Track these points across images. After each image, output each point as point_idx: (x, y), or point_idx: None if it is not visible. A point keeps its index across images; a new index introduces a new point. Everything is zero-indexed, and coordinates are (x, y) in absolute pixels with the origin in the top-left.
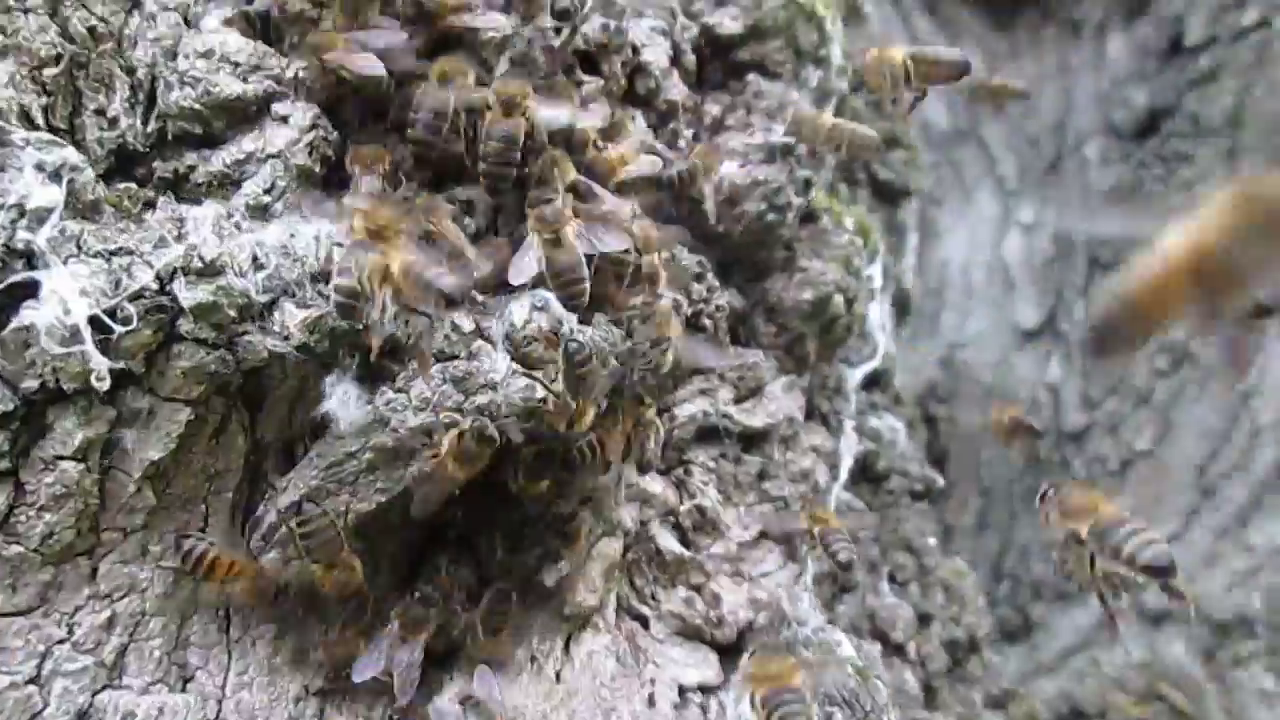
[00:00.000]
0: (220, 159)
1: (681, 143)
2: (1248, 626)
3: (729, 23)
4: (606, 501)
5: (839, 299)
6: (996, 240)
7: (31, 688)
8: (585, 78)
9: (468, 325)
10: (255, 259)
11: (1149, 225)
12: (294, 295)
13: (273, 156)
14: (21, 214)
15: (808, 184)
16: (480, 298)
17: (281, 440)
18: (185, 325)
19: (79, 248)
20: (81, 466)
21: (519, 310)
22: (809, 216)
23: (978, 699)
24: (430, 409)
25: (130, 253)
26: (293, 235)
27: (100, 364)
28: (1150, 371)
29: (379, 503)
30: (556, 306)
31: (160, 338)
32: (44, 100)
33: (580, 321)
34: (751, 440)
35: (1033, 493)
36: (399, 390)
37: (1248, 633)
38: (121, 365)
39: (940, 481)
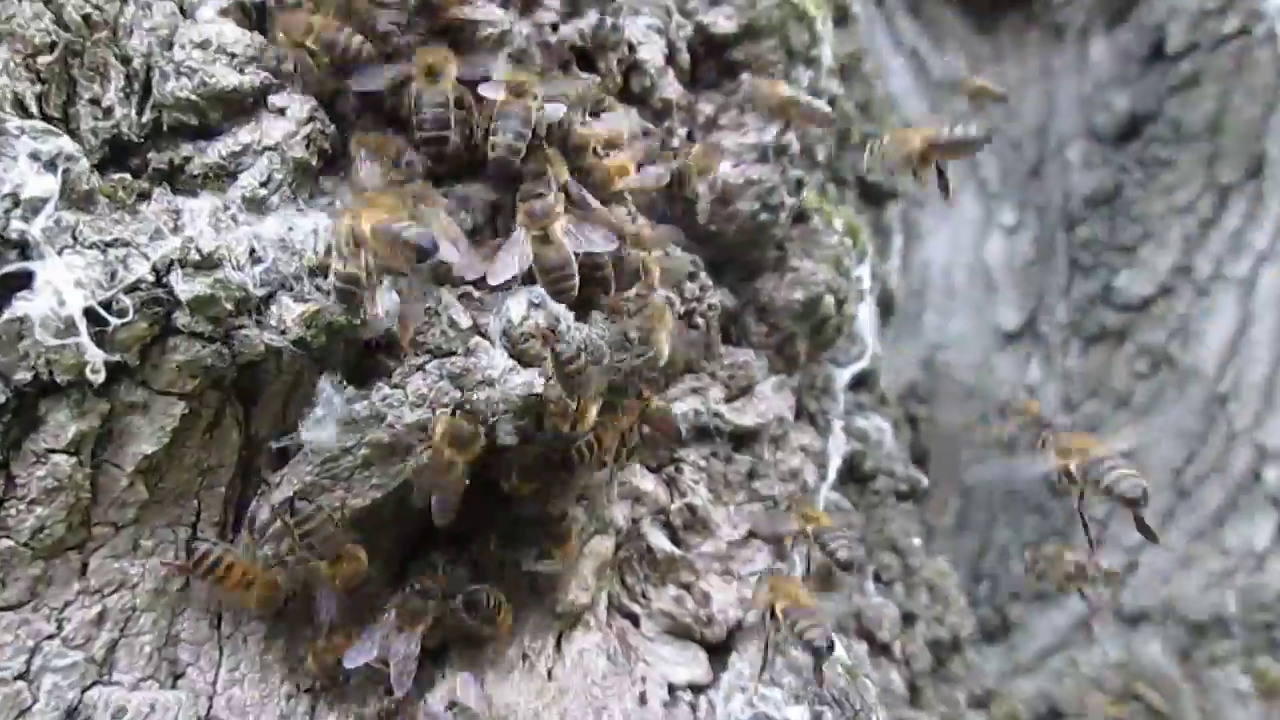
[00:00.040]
0: (216, 151)
1: (675, 141)
2: (1223, 627)
3: (723, 22)
4: (599, 499)
5: (830, 299)
6: (978, 242)
7: (20, 684)
8: (581, 74)
9: (465, 321)
10: (253, 252)
11: None
12: (291, 289)
13: (269, 149)
14: (16, 203)
15: (800, 184)
16: (477, 293)
17: (275, 435)
18: (181, 318)
19: (74, 238)
20: (73, 460)
21: (516, 306)
22: (800, 217)
23: (961, 699)
24: (427, 405)
25: (126, 244)
26: (290, 229)
27: (95, 356)
28: (1130, 374)
29: (374, 499)
30: (553, 303)
31: (155, 331)
32: (38, 88)
33: (577, 319)
34: (742, 439)
35: (1012, 495)
36: (395, 386)
37: (1223, 633)
38: (117, 358)
39: (924, 482)
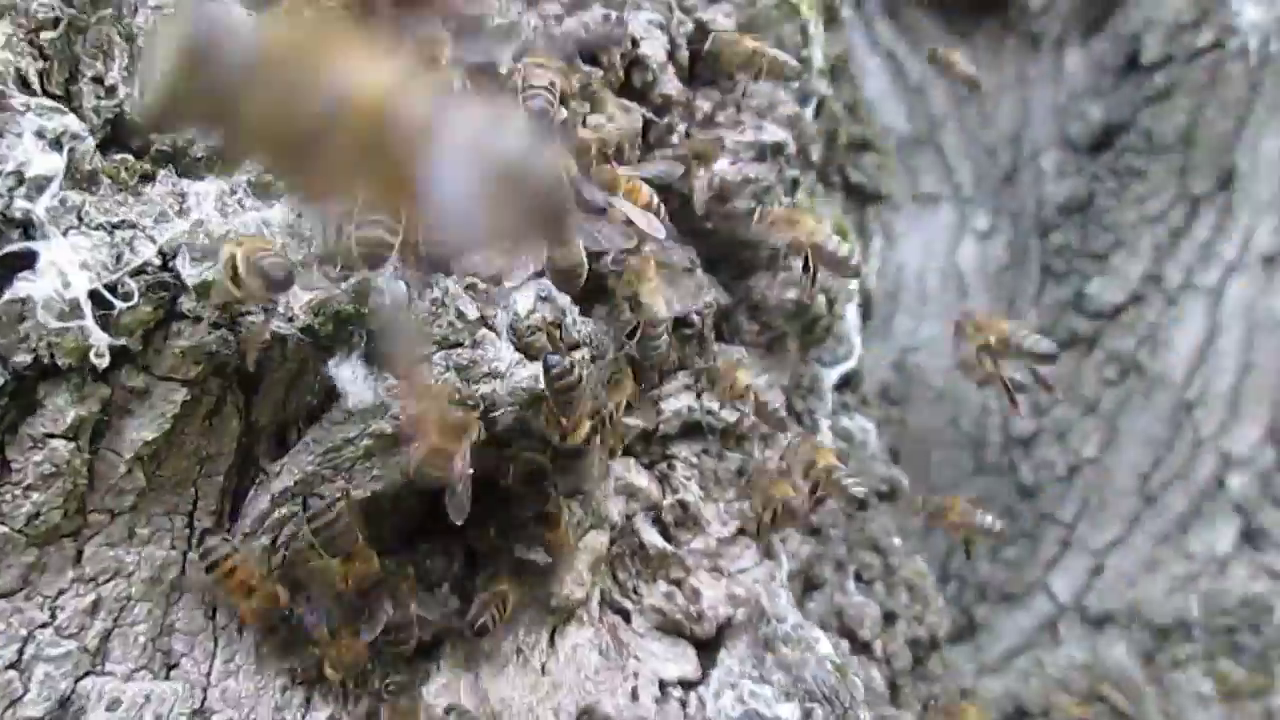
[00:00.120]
0: None
1: (675, 138)
2: (1186, 630)
3: (722, 19)
4: (595, 494)
5: (821, 299)
6: (951, 247)
7: (11, 673)
8: (585, 68)
9: (472, 313)
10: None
11: None
12: (300, 276)
13: None
14: (20, 181)
15: (795, 184)
16: (484, 285)
17: (275, 424)
18: (187, 303)
19: (80, 219)
20: (72, 445)
21: (523, 299)
22: None
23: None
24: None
25: (133, 226)
26: (299, 215)
27: (100, 340)
28: (1099, 381)
29: (375, 490)
30: (560, 297)
31: (160, 315)
32: (40, 65)
33: (582, 312)
34: (733, 437)
35: (982, 495)
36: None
37: (1186, 636)
38: (121, 343)
39: (906, 482)
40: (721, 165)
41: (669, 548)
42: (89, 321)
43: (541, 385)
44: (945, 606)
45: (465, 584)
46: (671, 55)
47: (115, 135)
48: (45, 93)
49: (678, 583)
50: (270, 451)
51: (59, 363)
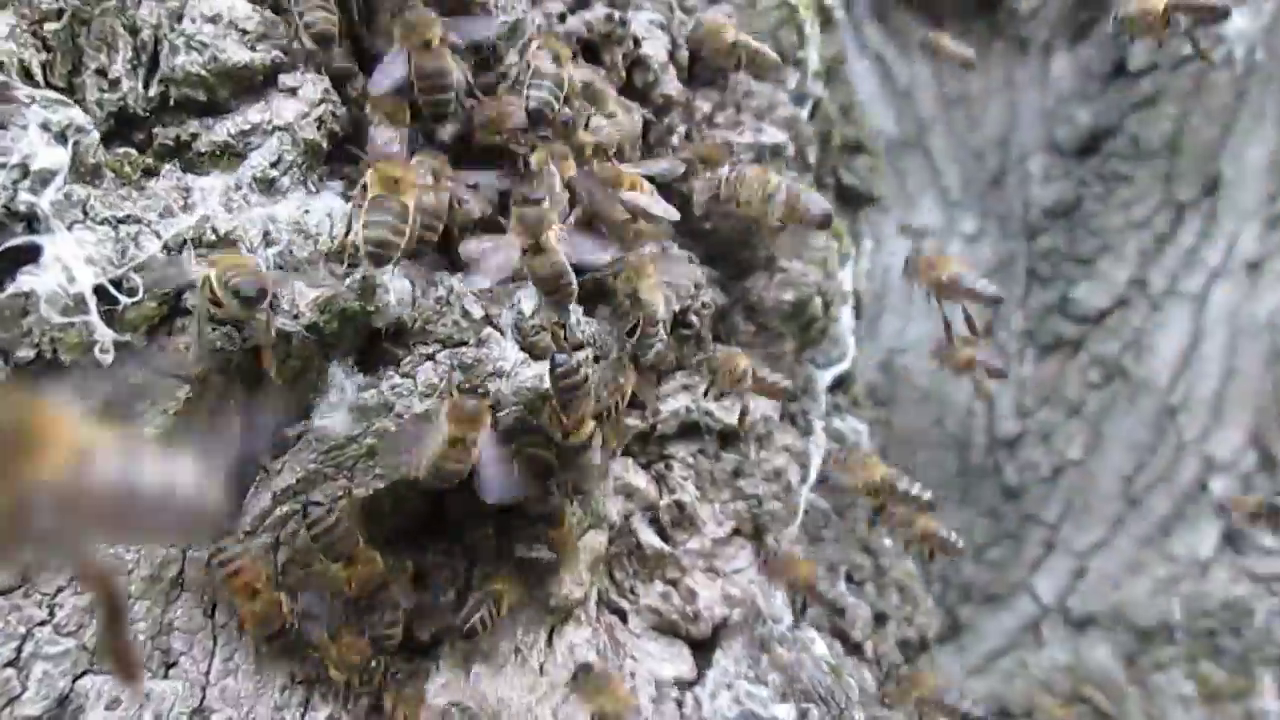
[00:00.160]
0: (224, 128)
1: (675, 139)
2: (1168, 633)
3: (722, 19)
4: (595, 493)
5: (818, 301)
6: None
7: (9, 671)
8: (587, 66)
9: (477, 312)
10: (267, 234)
11: None
12: (305, 273)
13: (280, 129)
14: (24, 174)
15: None
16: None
17: (287, 422)
18: (192, 299)
19: (85, 213)
20: None
21: (528, 299)
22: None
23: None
24: (437, 395)
25: (138, 221)
26: (306, 211)
27: (105, 336)
28: (1083, 384)
29: (376, 489)
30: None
31: (164, 311)
32: (44, 56)
33: (586, 312)
34: (729, 437)
35: (964, 499)
36: (405, 375)
37: (1168, 639)
38: (126, 338)
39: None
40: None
41: (666, 548)
42: (93, 317)
43: (546, 384)
44: (934, 608)
45: (467, 583)
46: (672, 55)
47: (118, 129)
48: (48, 85)
49: (674, 583)
50: (270, 449)
51: (62, 358)
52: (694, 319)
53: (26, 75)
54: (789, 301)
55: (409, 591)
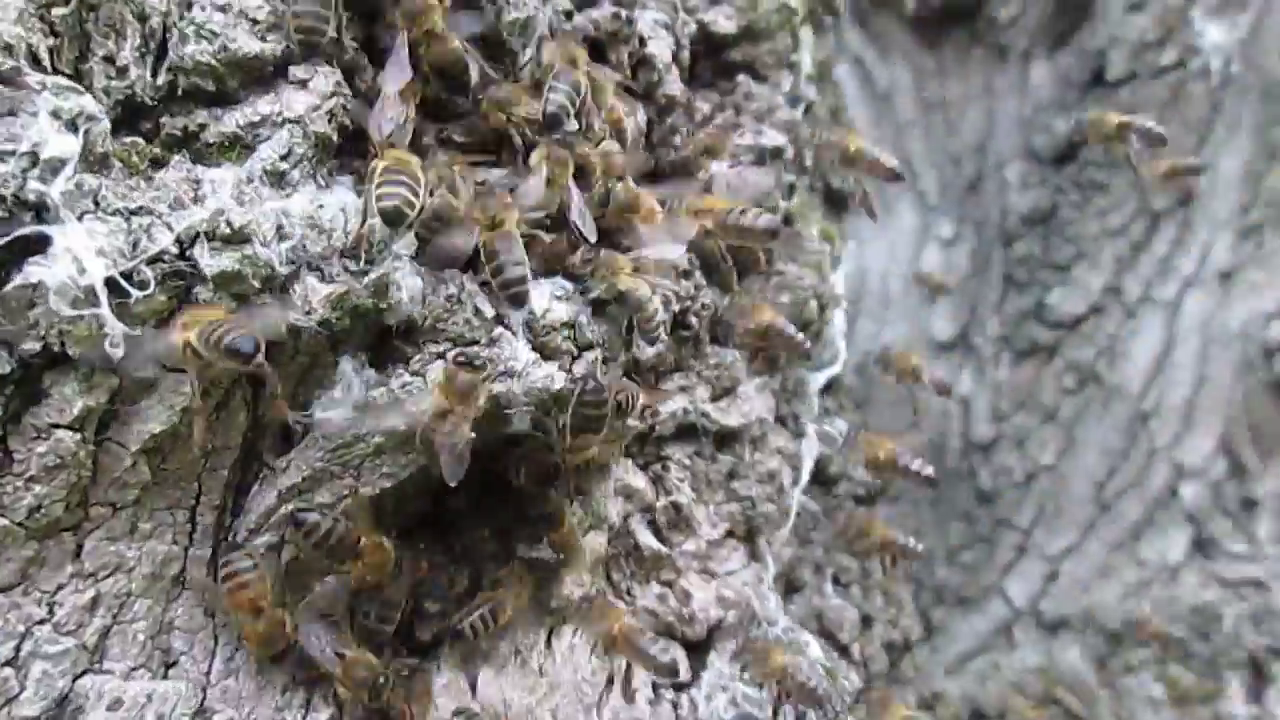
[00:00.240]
0: (233, 119)
1: (678, 139)
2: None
3: (723, 21)
4: (596, 494)
5: (814, 304)
6: (915, 253)
7: (8, 670)
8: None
9: (489, 310)
10: (280, 228)
11: None
12: (318, 270)
13: (291, 121)
14: (34, 163)
15: (792, 188)
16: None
17: (280, 419)
18: (203, 293)
19: (96, 204)
20: (78, 436)
21: (539, 298)
22: (785, 221)
23: (911, 699)
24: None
25: (150, 213)
26: (321, 206)
27: (116, 329)
28: (1057, 389)
29: (383, 488)
30: (576, 297)
31: (174, 305)
32: (51, 42)
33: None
34: (724, 439)
35: (939, 499)
36: (415, 374)
37: (1139, 642)
38: (136, 332)
39: (879, 485)
40: (720, 167)
41: (663, 549)
42: (105, 310)
43: (557, 385)
44: (916, 610)
45: (472, 583)
46: (675, 56)
47: (125, 117)
48: (55, 71)
49: (669, 584)
50: (275, 447)
51: (69, 351)
52: (693, 320)
53: (34, 61)
54: (786, 304)
55: (404, 587)
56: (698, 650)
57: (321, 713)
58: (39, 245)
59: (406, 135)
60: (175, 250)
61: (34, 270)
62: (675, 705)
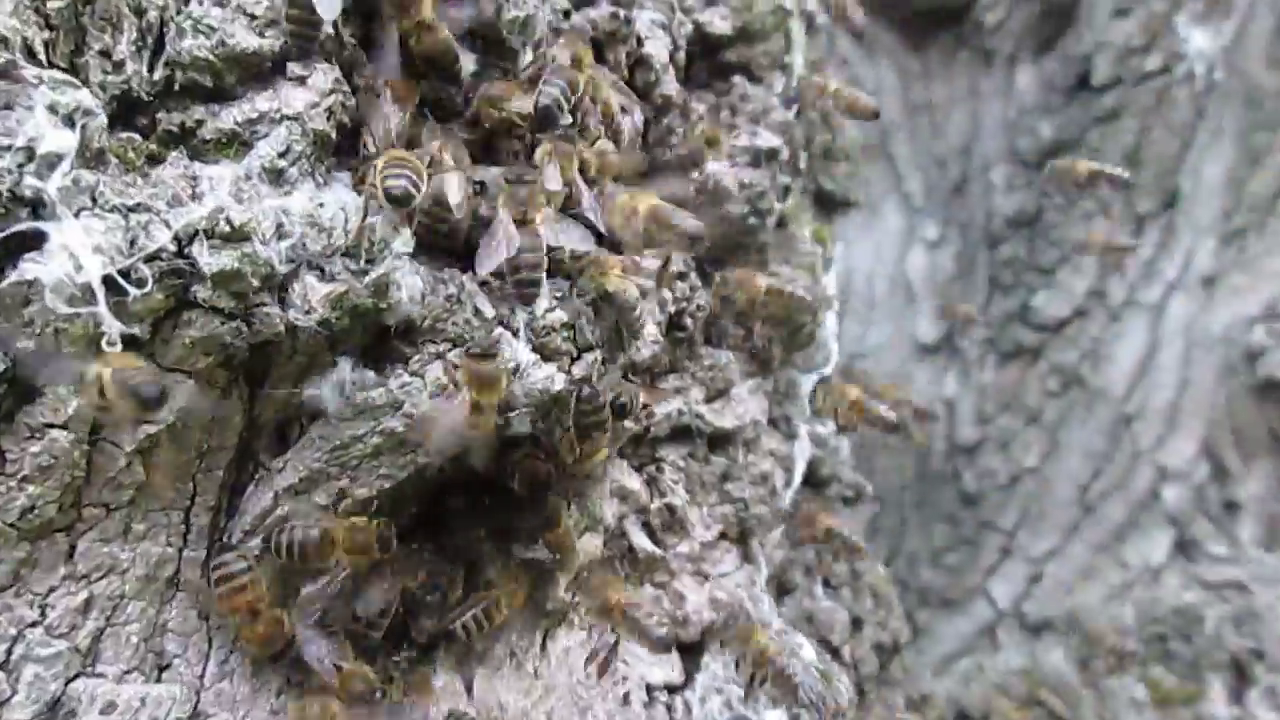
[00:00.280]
0: (231, 116)
1: (675, 139)
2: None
3: (719, 22)
4: (591, 496)
5: None
6: (901, 254)
7: None
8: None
9: (489, 311)
10: (279, 226)
11: None
12: (318, 268)
13: (289, 118)
14: (30, 158)
15: (787, 190)
16: (497, 283)
17: (277, 420)
18: (201, 292)
19: (94, 200)
20: (72, 436)
21: (540, 300)
22: (779, 223)
23: (900, 701)
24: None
25: (148, 210)
26: (320, 205)
27: (113, 328)
28: (1042, 392)
29: (379, 489)
30: (576, 299)
31: (171, 304)
32: (46, 35)
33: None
34: (718, 441)
35: (923, 503)
36: (414, 374)
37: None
38: (133, 331)
39: (869, 488)
40: (718, 168)
41: (657, 551)
42: (102, 308)
43: (557, 387)
44: (904, 612)
45: (469, 584)
46: (671, 56)
47: (120, 113)
48: (50, 64)
49: (663, 586)
50: (271, 447)
51: (64, 349)
52: (688, 321)
53: (29, 54)
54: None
55: (395, 590)
56: (692, 652)
57: None
58: (35, 242)
59: (404, 138)
60: (173, 248)
61: (30, 267)
62: (669, 708)
